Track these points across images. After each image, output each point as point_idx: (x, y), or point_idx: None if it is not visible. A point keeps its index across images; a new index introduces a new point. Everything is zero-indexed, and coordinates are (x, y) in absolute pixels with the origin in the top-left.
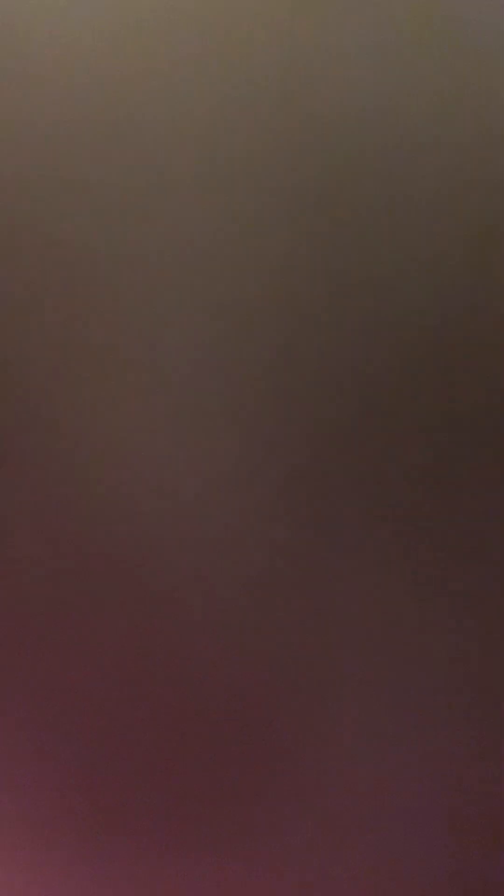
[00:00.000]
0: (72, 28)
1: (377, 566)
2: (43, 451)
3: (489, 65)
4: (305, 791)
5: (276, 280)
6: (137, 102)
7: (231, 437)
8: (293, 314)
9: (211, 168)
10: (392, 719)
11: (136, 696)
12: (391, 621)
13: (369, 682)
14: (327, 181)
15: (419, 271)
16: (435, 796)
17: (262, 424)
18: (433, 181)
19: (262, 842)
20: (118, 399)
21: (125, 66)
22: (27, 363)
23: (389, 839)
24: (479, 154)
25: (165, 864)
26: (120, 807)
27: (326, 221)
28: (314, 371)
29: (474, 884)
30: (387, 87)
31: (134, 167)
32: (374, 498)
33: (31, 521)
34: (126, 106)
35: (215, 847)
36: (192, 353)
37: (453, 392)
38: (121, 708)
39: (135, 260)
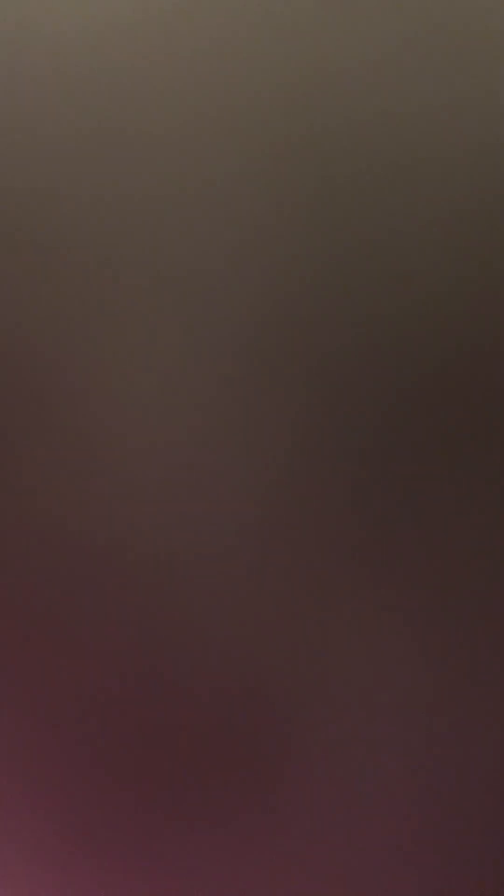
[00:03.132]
0: (72, 36)
1: (376, 575)
2: (42, 452)
3: (491, 71)
4: (305, 789)
5: (276, 289)
6: (136, 106)
7: (231, 443)
8: (293, 322)
9: (211, 173)
10: (392, 720)
11: (135, 700)
12: (390, 629)
13: (369, 683)
14: (328, 187)
15: (421, 283)
16: (435, 793)
17: (262, 430)
18: (434, 188)
19: (261, 842)
20: (117, 404)
21: (125, 72)
22: (26, 366)
23: (390, 842)
24: (481, 160)
25: (165, 863)
26: (119, 807)
27: (326, 229)
28: (316, 384)
29: (474, 879)
30: (387, 92)
31: (133, 171)
32: (374, 510)
33: (28, 526)
34: (126, 109)
35: (214, 847)
36: (192, 358)
37: (459, 412)
38: (120, 710)
39: (133, 266)
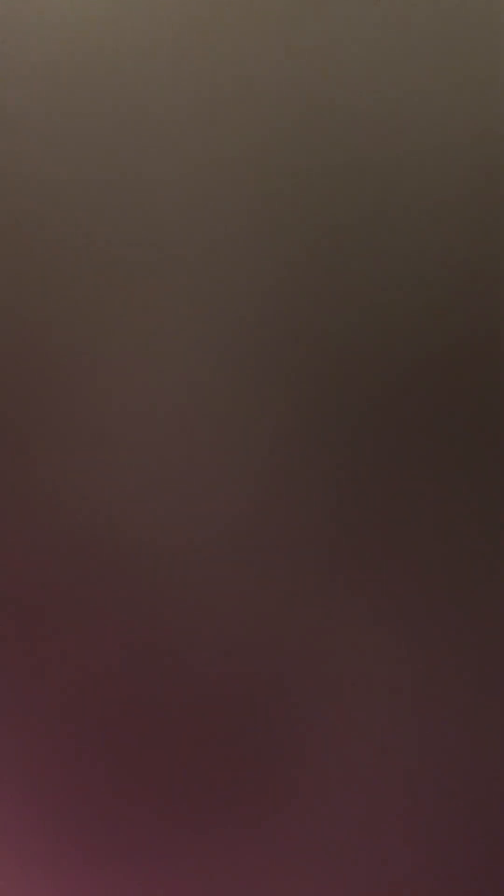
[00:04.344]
0: (73, 31)
1: (374, 572)
2: (43, 455)
3: (489, 63)
4: (305, 788)
5: (274, 283)
6: (138, 95)
7: (228, 442)
8: (292, 317)
9: (210, 166)
10: (389, 716)
11: (133, 699)
12: (390, 626)
13: (367, 681)
14: (327, 180)
15: (419, 275)
16: (434, 790)
17: (257, 422)
18: (433, 181)
19: (260, 840)
20: (117, 403)
21: (125, 63)
22: (28, 367)
23: (390, 843)
24: (479, 152)
25: (166, 862)
26: (118, 807)
27: (326, 223)
28: (309, 369)
29: (473, 877)
30: (387, 86)
31: (132, 164)
32: (372, 503)
33: (30, 526)
34: (127, 98)
35: (215, 844)
36: (192, 357)
37: (457, 409)
38: (120, 708)
39: (134, 264)
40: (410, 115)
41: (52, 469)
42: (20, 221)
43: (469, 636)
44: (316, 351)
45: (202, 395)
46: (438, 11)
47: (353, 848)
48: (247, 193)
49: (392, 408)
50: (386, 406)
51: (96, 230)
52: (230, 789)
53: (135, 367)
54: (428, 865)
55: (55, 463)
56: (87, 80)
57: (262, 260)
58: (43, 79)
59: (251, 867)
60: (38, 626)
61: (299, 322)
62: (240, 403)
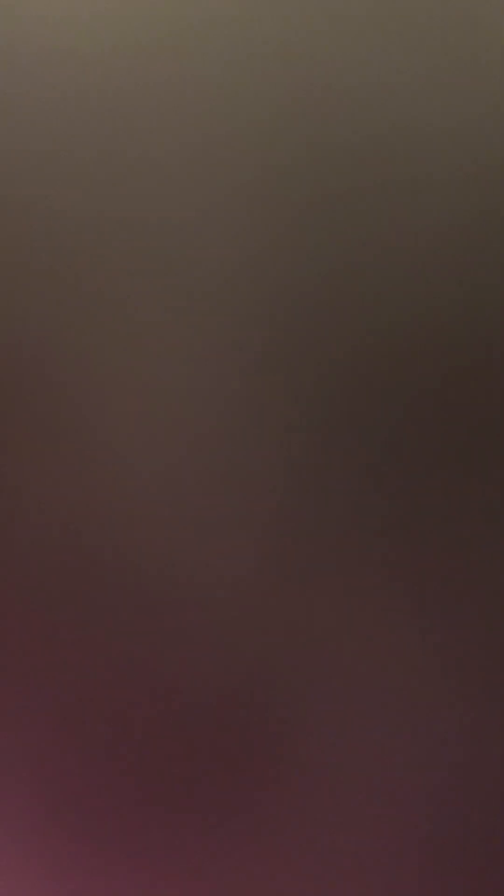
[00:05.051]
0: (72, 39)
1: (374, 566)
2: (44, 451)
3: (493, 69)
4: (305, 788)
5: (279, 306)
6: (138, 107)
7: (228, 439)
8: (293, 323)
9: (211, 173)
10: (388, 717)
11: (135, 699)
12: (387, 618)
13: (365, 676)
14: (329, 203)
15: (421, 278)
16: (431, 788)
17: (259, 424)
18: (434, 204)
19: (261, 840)
20: (117, 401)
21: (125, 75)
22: (28, 366)
23: (390, 841)
24: (481, 177)
25: (166, 863)
26: (119, 804)
27: (328, 245)
28: (312, 372)
29: (473, 877)
30: (388, 110)
31: (133, 173)
32: (373, 503)
33: (31, 522)
34: (127, 110)
35: (214, 844)
36: (190, 355)
37: (456, 401)
38: (120, 706)
39: (134, 266)
40: (414, 142)
41: (53, 480)
42: (21, 226)
43: (470, 637)
44: (326, 357)
45: (208, 403)
46: (442, 39)
47: (353, 848)
48: (249, 223)
49: (398, 406)
50: (392, 404)
51: (98, 235)
52: (230, 790)
53: (139, 381)
54: (428, 865)
55: (56, 474)
56: (87, 79)
57: (266, 266)
58: (42, 79)
59: (251, 867)
60: (40, 628)
61: (308, 331)
62: (247, 406)
